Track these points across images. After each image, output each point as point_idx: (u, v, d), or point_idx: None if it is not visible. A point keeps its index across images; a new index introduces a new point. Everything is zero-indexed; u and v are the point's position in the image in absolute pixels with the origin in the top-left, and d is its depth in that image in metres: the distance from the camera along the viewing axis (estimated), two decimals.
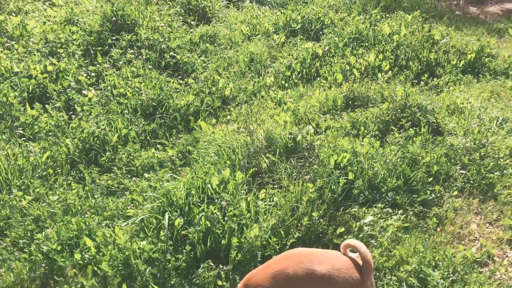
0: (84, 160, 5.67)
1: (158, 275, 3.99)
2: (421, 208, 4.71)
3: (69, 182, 5.30)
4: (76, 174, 5.47)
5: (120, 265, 4.09)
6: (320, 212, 4.46)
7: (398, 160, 5.11)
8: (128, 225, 4.48)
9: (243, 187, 4.80)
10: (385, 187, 4.84)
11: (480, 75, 7.39)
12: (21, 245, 4.47)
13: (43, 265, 4.22)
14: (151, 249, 4.14)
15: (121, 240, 4.22)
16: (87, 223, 4.55)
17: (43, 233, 4.48)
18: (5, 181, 5.17)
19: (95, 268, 4.14)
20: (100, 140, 5.84)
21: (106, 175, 5.38)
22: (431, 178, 5.00)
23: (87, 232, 4.46)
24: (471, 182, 5.06)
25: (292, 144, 5.30)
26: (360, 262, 2.77)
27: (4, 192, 5.04)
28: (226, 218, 4.32)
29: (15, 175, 5.24)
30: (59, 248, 4.29)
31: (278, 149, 5.24)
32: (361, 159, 5.05)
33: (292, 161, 5.12)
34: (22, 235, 4.56)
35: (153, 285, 3.92)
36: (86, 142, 5.77)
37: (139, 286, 3.96)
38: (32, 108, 6.24)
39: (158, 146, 5.94)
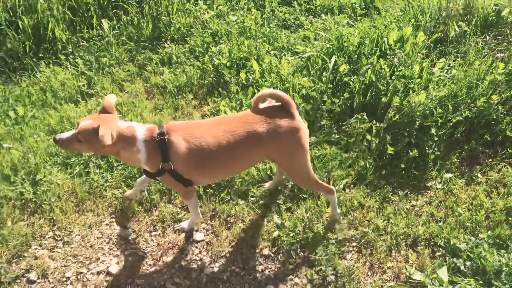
0: None
1: (311, 113, 4.02)
2: None
3: (250, 6, 5.38)
4: (258, 1, 5.50)
5: None
6: (502, 97, 3.93)
7: None
8: (294, 59, 4.48)
9: (422, 50, 4.38)
10: None
11: None
12: (197, 54, 4.81)
13: (212, 75, 4.53)
14: (310, 86, 4.13)
15: (285, 71, 4.27)
16: (257, 48, 4.66)
17: (218, 47, 4.74)
18: None
19: (255, 91, 4.32)
20: None
21: (285, 8, 5.32)
22: None
23: (256, 57, 4.60)
24: None
25: (494, 17, 4.56)
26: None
27: (191, 1, 5.34)
28: (393, 77, 4.05)
29: None
30: (228, 64, 4.53)
31: (474, 20, 4.57)
32: None
33: (488, 36, 4.46)
34: (200, 45, 4.87)
35: (303, 119, 3.99)
36: None
37: None
38: None
39: None
